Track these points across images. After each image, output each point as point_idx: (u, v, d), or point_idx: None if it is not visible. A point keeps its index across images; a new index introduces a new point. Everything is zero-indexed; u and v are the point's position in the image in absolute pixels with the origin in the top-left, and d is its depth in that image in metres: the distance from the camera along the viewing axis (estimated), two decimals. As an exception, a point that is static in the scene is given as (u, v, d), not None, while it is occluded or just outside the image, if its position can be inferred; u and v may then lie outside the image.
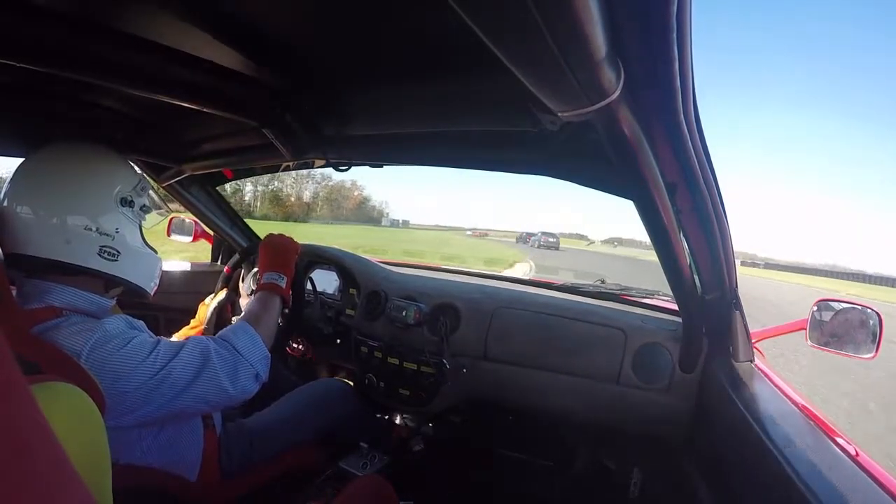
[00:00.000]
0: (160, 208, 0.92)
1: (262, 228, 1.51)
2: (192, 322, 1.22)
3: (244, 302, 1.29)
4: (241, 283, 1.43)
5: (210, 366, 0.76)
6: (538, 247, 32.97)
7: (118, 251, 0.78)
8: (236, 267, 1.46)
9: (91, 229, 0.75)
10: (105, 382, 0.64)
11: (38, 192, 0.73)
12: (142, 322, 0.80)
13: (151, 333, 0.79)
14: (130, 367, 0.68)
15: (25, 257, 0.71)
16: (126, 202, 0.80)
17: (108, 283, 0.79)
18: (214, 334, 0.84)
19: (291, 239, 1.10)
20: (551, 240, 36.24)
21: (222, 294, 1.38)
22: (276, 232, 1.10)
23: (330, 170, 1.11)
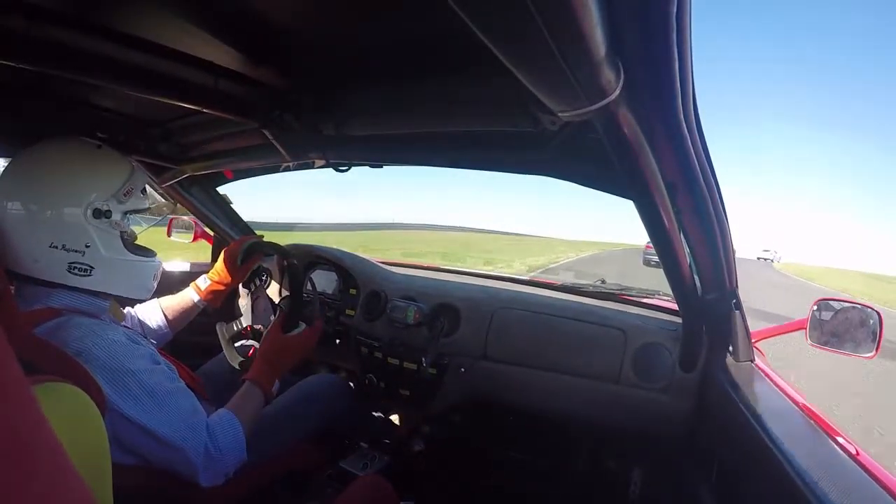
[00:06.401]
0: (155, 208, 0.88)
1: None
2: (211, 275, 1.11)
3: (243, 302, 1.26)
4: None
5: (197, 447, 0.72)
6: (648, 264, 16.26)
7: (90, 266, 0.74)
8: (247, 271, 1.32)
9: (56, 247, 0.71)
10: (103, 382, 0.64)
11: (8, 206, 0.71)
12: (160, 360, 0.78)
13: (172, 367, 0.80)
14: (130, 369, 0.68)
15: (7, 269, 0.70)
16: (100, 213, 0.74)
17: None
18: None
19: (314, 342, 1.03)
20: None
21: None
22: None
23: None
